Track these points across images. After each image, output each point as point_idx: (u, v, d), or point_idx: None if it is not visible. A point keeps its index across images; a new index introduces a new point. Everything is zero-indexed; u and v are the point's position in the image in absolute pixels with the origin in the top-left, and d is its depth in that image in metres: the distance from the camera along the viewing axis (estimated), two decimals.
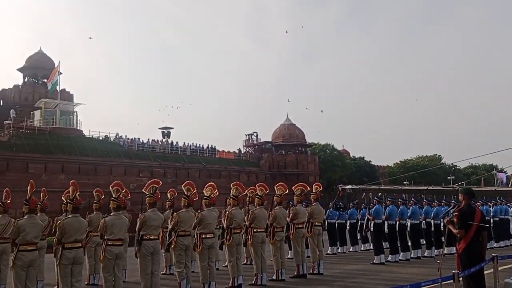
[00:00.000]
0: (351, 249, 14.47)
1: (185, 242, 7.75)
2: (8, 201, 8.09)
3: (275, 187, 9.53)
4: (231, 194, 8.97)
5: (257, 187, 9.30)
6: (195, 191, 8.11)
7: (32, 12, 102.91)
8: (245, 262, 10.48)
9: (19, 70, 47.06)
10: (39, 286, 8.06)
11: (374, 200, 12.25)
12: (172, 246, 7.82)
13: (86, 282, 8.76)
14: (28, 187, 6.60)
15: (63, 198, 9.07)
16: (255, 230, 8.83)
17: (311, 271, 9.79)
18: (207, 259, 7.97)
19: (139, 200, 10.50)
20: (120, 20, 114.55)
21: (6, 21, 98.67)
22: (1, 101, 45.49)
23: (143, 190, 7.60)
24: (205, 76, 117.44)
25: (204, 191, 8.38)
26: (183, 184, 8.11)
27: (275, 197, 9.39)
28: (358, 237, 14.73)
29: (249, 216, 8.86)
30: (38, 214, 6.98)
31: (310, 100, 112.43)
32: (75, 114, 36.60)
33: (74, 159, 31.55)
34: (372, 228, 11.76)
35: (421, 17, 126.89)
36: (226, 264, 10.29)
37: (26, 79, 46.94)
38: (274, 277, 9.05)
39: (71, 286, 6.33)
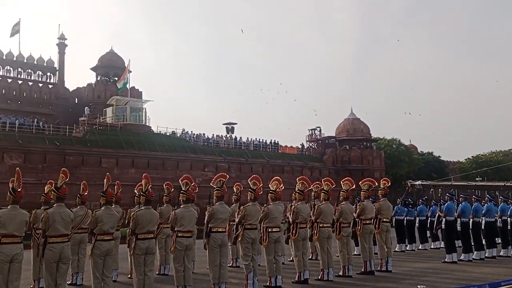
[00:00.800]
0: (420, 247, 13.99)
1: (251, 235, 7.83)
2: (85, 193, 8.56)
3: (341, 182, 9.39)
4: (296, 189, 8.94)
5: (323, 182, 9.21)
6: (261, 185, 8.16)
7: (104, 14, 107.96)
8: (310, 257, 10.43)
9: (92, 69, 49.63)
10: (113, 274, 8.45)
11: (446, 197, 11.73)
12: (238, 239, 7.92)
13: (157, 272, 9.08)
14: (105, 179, 6.92)
15: (135, 191, 9.48)
16: (321, 225, 8.76)
17: (379, 268, 9.57)
18: (273, 252, 8.02)
19: (204, 194, 10.76)
20: (189, 19, 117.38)
21: (82, 24, 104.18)
22: (76, 99, 48.22)
23: (210, 184, 7.74)
24: (268, 71, 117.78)
25: (269, 185, 8.42)
26: (249, 178, 8.18)
27: (341, 192, 9.25)
28: (428, 235, 14.22)
29: (315, 211, 8.79)
30: (113, 206, 7.30)
31: (375, 94, 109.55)
32: (144, 110, 38.06)
33: (144, 154, 32.80)
34: (443, 226, 11.28)
35: (492, 9, 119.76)
36: (291, 259, 10.29)
37: (98, 78, 49.41)
38: (340, 273, 8.94)
39: (144, 275, 6.58)
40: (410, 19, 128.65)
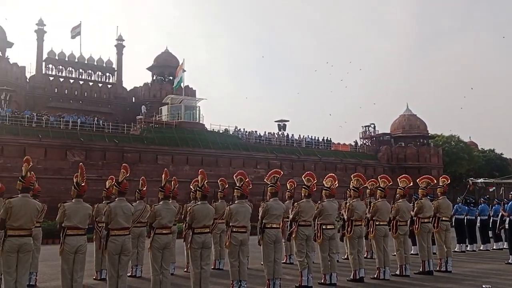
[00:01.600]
0: (481, 248, 13.42)
1: (305, 232, 7.80)
2: (144, 188, 8.86)
3: (398, 180, 9.16)
4: (351, 186, 8.83)
5: (379, 179, 9.02)
6: (315, 181, 8.10)
7: (160, 14, 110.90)
8: (365, 255, 10.26)
9: (148, 69, 51.09)
10: (171, 268, 8.67)
11: (510, 195, 11.17)
12: (292, 236, 7.92)
13: (212, 267, 9.25)
14: (163, 175, 7.12)
15: (191, 186, 9.70)
16: (377, 223, 8.60)
17: (437, 268, 9.27)
18: (328, 250, 7.96)
19: (256, 191, 10.83)
20: (243, 17, 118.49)
21: (139, 25, 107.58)
22: (133, 98, 49.87)
23: (264, 180, 7.78)
24: (320, 68, 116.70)
25: (324, 182, 8.36)
26: (303, 175, 8.15)
27: (398, 189, 9.03)
28: (490, 235, 13.60)
29: (371, 208, 8.63)
30: (170, 201, 7.48)
31: (432, 89, 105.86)
32: (197, 109, 38.75)
33: (197, 151, 33.40)
34: (507, 226, 10.76)
35: None
36: (346, 257, 10.17)
37: (154, 77, 50.82)
38: (397, 272, 8.73)
39: (201, 268, 6.71)
40: (469, 11, 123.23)
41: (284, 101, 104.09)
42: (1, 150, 25.98)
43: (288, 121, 41.72)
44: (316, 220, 8.03)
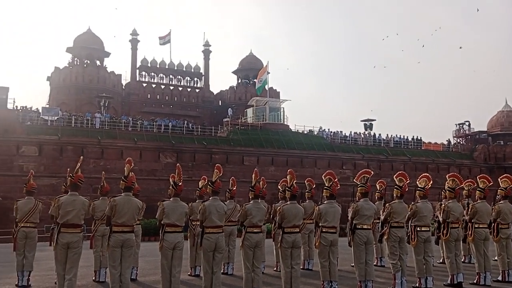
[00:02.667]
0: None
1: (398, 233, 7.56)
2: (234, 188, 9.09)
3: (499, 180, 8.59)
4: (446, 187, 8.41)
5: (478, 180, 8.51)
6: (407, 182, 7.82)
7: (244, 18, 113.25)
8: (463, 260, 9.71)
9: (234, 72, 52.45)
10: (261, 266, 8.82)
11: None
12: (385, 237, 7.72)
13: (301, 267, 9.26)
14: (253, 175, 7.25)
15: (279, 186, 9.79)
16: (476, 226, 8.11)
17: None
18: (423, 253, 7.65)
19: (342, 192, 10.64)
20: (327, 17, 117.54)
21: (224, 30, 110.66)
22: (220, 101, 51.43)
23: (354, 181, 7.66)
24: (408, 65, 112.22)
25: (417, 182, 8.04)
26: (395, 175, 7.90)
27: (499, 190, 8.46)
28: None
29: (470, 210, 8.16)
30: (259, 200, 7.60)
31: None
32: (282, 110, 39.06)
33: (282, 152, 33.64)
34: None
35: None
36: (441, 260, 9.72)
37: (239, 81, 52.04)
38: (499, 278, 8.17)
39: (291, 268, 6.75)
40: None
41: (370, 100, 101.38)
42: (101, 153, 27.98)
43: (374, 120, 40.66)
44: (410, 221, 7.75)
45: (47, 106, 36.21)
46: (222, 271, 8.69)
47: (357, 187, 7.52)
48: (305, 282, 8.13)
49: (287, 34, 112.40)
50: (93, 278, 8.31)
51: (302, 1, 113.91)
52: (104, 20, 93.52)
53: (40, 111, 30.65)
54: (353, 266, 9.52)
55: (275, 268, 9.63)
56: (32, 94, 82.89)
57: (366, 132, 39.97)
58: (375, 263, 9.73)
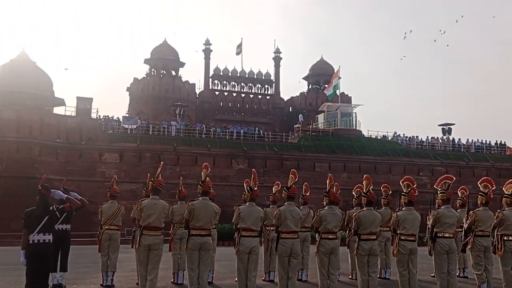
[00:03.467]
0: None
1: (483, 243, 7.15)
2: (307, 194, 9.05)
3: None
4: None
5: None
6: (493, 188, 7.36)
7: (314, 24, 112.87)
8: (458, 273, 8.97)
9: (304, 78, 52.36)
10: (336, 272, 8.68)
11: None
12: (468, 247, 7.31)
13: (378, 276, 8.99)
14: (327, 180, 7.17)
15: (353, 192, 9.61)
16: None
17: None
18: (511, 263, 7.14)
19: (419, 199, 10.19)
20: (398, 19, 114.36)
21: (294, 36, 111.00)
22: (290, 107, 51.51)
23: (434, 187, 7.33)
24: (489, 65, 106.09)
25: (504, 189, 7.55)
26: (480, 181, 7.49)
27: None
28: None
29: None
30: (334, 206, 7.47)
31: None
32: (354, 115, 38.34)
33: (355, 158, 32.96)
34: None
35: None
36: None
37: (310, 87, 51.84)
38: None
39: (368, 276, 6.59)
40: None
41: (448, 103, 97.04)
42: (177, 159, 28.97)
43: (453, 124, 38.75)
44: (496, 230, 7.28)
45: (127, 115, 38.10)
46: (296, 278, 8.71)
47: (438, 194, 7.18)
48: None
49: (358, 38, 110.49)
50: (172, 280, 8.59)
51: (373, 3, 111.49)
52: (178, 31, 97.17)
53: (121, 120, 32.33)
54: (433, 276, 9.16)
55: (350, 276, 9.44)
56: (113, 103, 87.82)
57: (445, 137, 38.19)
58: (457, 274, 9.24)
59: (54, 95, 29.43)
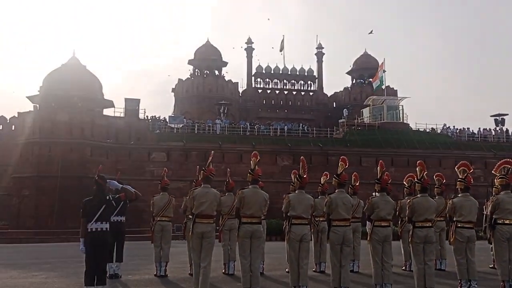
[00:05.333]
0: None
1: None
2: (357, 184, 8.92)
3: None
4: None
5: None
6: None
7: (356, 18, 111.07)
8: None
9: (348, 73, 51.58)
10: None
11: None
12: None
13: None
14: (378, 167, 7.02)
15: (404, 182, 9.38)
16: None
17: None
18: None
19: (472, 193, 9.78)
20: (445, 7, 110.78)
21: (336, 31, 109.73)
22: (334, 103, 50.87)
23: (493, 172, 7.03)
24: None
25: None
26: None
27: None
28: None
29: None
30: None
31: None
32: (401, 108, 37.43)
33: (403, 152, 32.17)
34: None
35: None
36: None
37: (354, 81, 51.04)
38: None
39: (424, 264, 6.39)
40: None
41: (500, 93, 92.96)
42: (222, 157, 29.22)
43: (507, 114, 37.12)
44: None
45: (173, 115, 38.84)
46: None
47: (497, 179, 6.89)
48: (439, 281, 7.60)
49: (401, 30, 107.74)
50: (223, 271, 8.67)
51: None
52: (220, 30, 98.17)
53: (167, 119, 32.99)
54: (491, 267, 8.81)
55: (403, 268, 9.21)
56: (159, 104, 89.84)
57: (498, 128, 36.63)
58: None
59: (103, 97, 30.38)
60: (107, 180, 6.12)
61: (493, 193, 7.45)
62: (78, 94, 27.82)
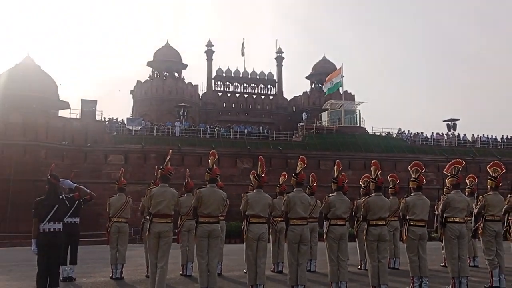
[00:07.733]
0: None
1: (494, 228, 7.09)
2: (314, 184, 9.07)
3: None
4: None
5: None
6: (502, 171, 7.32)
7: (315, 25, 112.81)
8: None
9: (307, 77, 52.32)
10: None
11: None
12: (479, 232, 7.25)
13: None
14: (335, 166, 7.12)
15: (360, 182, 9.61)
16: None
17: None
18: None
19: (426, 195, 10.17)
20: (399, 15, 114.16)
21: (296, 36, 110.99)
22: (293, 107, 51.45)
23: (444, 172, 7.30)
24: (491, 62, 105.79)
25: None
26: (489, 165, 7.43)
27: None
28: None
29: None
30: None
31: None
32: (358, 112, 38.28)
33: (360, 155, 32.87)
34: None
35: None
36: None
37: (313, 86, 51.80)
38: None
39: (378, 261, 6.53)
40: None
41: (451, 99, 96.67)
42: (181, 160, 28.94)
43: (458, 120, 38.62)
44: (507, 215, 7.24)
45: (131, 117, 38.16)
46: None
47: (447, 179, 7.15)
48: (392, 279, 7.80)
49: (360, 36, 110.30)
50: (181, 272, 8.58)
51: (372, 2, 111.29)
52: (180, 32, 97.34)
53: (125, 121, 32.37)
54: (442, 265, 9.13)
55: (358, 267, 9.40)
56: (117, 106, 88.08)
57: (450, 133, 38.05)
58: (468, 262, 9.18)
59: (59, 98, 29.51)
60: (60, 179, 5.95)
61: (444, 193, 7.71)
62: (32, 94, 26.93)
